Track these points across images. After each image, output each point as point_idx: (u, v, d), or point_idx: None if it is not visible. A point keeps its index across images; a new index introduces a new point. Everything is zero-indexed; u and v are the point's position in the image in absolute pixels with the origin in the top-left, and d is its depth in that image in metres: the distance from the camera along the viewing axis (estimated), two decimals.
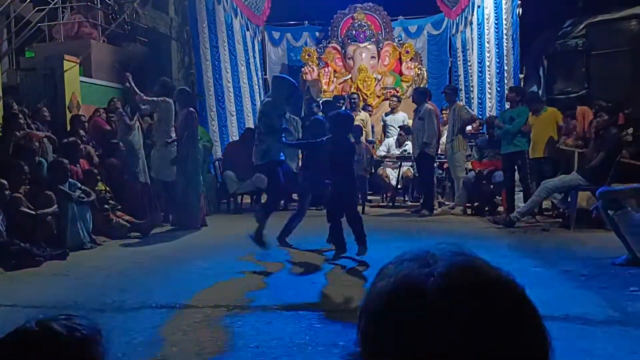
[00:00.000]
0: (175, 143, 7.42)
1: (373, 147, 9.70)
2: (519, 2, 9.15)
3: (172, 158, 7.39)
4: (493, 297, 0.63)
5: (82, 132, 7.59)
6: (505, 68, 9.86)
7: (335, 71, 13.38)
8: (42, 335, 0.94)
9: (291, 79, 5.84)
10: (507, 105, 8.19)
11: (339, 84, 13.19)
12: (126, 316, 3.64)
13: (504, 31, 9.82)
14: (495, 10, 10.27)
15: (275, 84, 5.69)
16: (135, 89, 7.62)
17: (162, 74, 9.07)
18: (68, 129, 7.92)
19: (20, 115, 6.81)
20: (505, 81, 9.87)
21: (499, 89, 10.35)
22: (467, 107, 9.69)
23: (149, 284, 4.50)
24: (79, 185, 6.37)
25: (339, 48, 13.47)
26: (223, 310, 3.68)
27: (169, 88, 7.64)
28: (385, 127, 10.44)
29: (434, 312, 0.61)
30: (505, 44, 9.80)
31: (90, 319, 1.02)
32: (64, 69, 8.51)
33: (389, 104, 10.45)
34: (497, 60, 10.37)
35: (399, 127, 9.68)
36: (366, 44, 13.24)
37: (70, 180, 6.29)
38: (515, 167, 7.43)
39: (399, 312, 0.64)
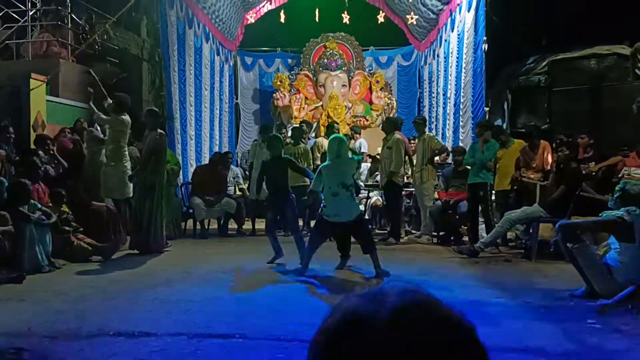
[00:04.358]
0: (130, 162, 7.35)
1: None
2: (485, 37, 9.45)
3: (128, 175, 7.24)
4: (441, 334, 0.63)
5: (41, 153, 7.41)
6: (462, 100, 10.15)
7: (306, 98, 13.51)
8: None
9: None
10: (460, 138, 8.37)
11: (310, 111, 13.31)
12: (81, 344, 3.51)
13: (463, 65, 10.12)
14: (458, 44, 10.59)
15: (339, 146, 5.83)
16: (94, 108, 7.56)
17: (133, 94, 8.99)
18: (32, 148, 7.75)
19: None
20: (461, 113, 10.13)
21: (455, 120, 10.65)
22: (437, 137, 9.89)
23: (107, 310, 4.38)
24: (39, 206, 6.20)
25: (311, 75, 13.63)
26: (183, 339, 3.60)
27: (123, 104, 7.42)
28: None
29: (380, 347, 0.61)
30: (463, 78, 10.10)
31: (44, 349, 0.99)
32: (30, 88, 8.36)
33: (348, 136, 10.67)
34: (456, 92, 10.68)
35: (369, 156, 9.79)
36: (337, 72, 13.44)
37: (30, 201, 6.12)
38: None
39: (345, 347, 0.63)
